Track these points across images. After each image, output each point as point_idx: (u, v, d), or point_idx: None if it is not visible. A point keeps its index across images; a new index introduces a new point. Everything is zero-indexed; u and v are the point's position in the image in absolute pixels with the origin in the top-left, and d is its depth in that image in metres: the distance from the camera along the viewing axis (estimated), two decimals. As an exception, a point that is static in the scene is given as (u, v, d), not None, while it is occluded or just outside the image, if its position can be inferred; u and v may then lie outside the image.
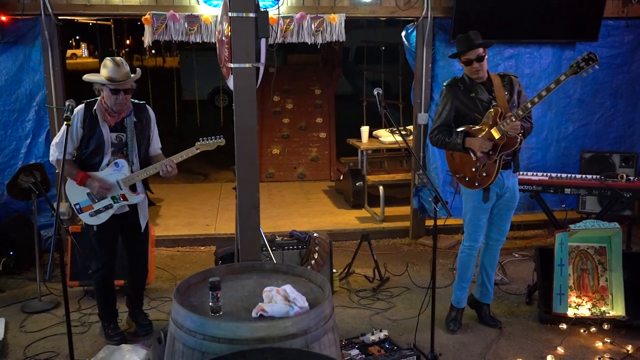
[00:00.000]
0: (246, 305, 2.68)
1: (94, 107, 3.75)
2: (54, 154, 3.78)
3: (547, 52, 6.13)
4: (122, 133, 3.81)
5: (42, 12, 5.23)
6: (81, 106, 3.76)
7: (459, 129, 4.00)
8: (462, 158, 4.04)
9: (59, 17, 5.41)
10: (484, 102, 3.97)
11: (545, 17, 5.82)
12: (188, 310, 2.51)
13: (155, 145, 4.03)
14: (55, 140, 3.82)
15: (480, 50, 3.90)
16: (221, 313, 2.60)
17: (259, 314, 2.56)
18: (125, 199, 3.85)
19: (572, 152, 6.42)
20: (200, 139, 3.85)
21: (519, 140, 3.90)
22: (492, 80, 4.01)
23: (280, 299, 2.60)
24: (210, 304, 2.59)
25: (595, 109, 6.36)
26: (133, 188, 3.90)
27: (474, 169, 3.98)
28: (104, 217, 3.85)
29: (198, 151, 3.85)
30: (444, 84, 4.14)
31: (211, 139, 3.85)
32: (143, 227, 4.03)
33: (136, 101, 3.91)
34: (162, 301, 4.74)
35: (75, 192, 3.83)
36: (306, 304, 2.60)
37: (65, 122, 3.29)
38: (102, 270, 3.98)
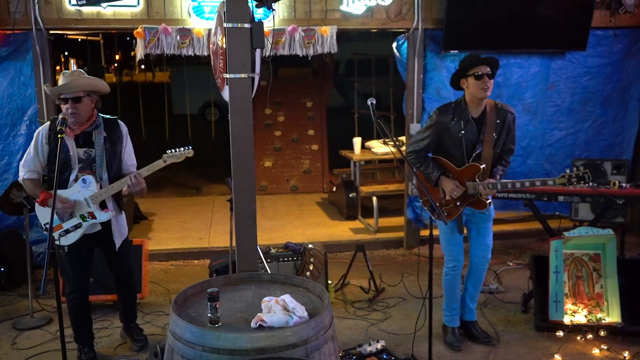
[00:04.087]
0: (245, 315, 2.67)
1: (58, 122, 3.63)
2: (21, 174, 3.69)
3: (535, 62, 6.19)
4: (90, 148, 3.67)
5: (34, 27, 5.23)
6: (47, 123, 3.68)
7: (435, 169, 3.92)
8: (431, 188, 3.99)
9: (50, 32, 5.40)
10: (469, 142, 3.88)
11: (535, 28, 5.87)
12: (187, 321, 2.49)
13: (128, 162, 3.84)
14: (25, 158, 3.70)
15: (489, 68, 3.79)
16: (220, 324, 2.58)
17: (258, 325, 2.54)
18: (94, 217, 3.68)
19: (557, 160, 6.45)
20: (168, 151, 3.69)
21: (488, 203, 3.91)
22: (486, 114, 3.88)
23: (280, 309, 2.59)
24: (209, 315, 2.57)
25: (586, 117, 6.40)
26: (103, 205, 3.73)
27: (437, 203, 3.92)
28: (73, 237, 3.69)
29: (165, 164, 3.68)
30: (437, 108, 3.97)
31: (178, 151, 3.70)
32: (117, 245, 3.86)
33: (107, 116, 3.79)
34: (156, 315, 4.69)
35: (44, 212, 3.68)
36: (305, 314, 2.59)
37: (59, 135, 3.18)
38: (75, 293, 3.80)
